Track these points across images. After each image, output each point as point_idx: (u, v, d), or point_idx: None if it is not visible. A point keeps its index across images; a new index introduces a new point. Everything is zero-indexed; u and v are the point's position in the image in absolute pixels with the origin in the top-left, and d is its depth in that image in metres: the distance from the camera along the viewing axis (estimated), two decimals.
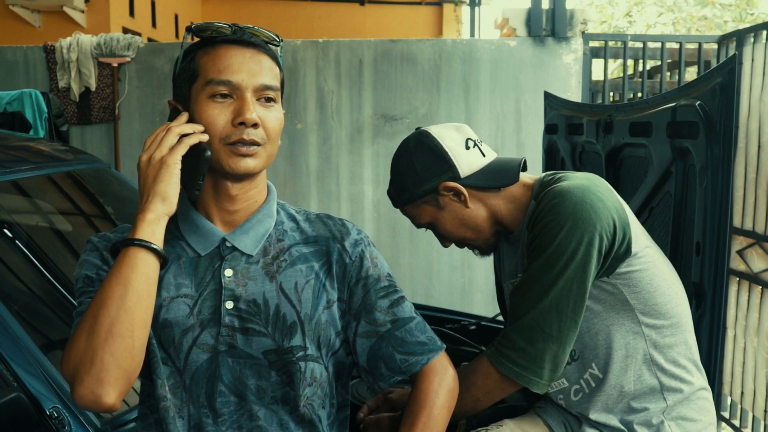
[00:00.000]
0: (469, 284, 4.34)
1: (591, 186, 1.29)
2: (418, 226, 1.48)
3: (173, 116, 1.10)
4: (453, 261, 4.30)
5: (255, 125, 1.04)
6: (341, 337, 1.16)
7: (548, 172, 1.42)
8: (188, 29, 1.09)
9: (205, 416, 1.09)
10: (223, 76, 1.04)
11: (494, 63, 4.20)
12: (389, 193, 1.48)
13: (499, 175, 1.40)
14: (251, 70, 1.06)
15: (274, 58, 1.10)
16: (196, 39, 1.10)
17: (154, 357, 1.08)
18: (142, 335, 0.98)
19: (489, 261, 4.81)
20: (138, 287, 0.97)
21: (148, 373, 1.10)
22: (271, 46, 1.11)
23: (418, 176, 1.39)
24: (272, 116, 1.08)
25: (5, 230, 1.76)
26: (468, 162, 1.39)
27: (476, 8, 8.10)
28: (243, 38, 1.07)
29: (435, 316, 2.15)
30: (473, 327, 2.06)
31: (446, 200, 1.40)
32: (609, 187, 1.34)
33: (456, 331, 2.04)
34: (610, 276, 1.30)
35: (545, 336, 1.26)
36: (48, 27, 7.14)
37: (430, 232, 1.51)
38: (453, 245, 1.51)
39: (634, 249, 1.30)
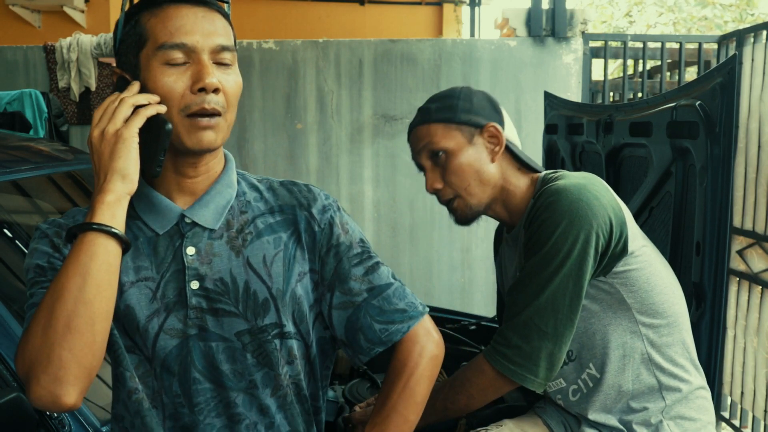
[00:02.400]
0: (469, 284, 4.34)
1: (588, 184, 1.29)
2: (431, 150, 1.39)
3: (121, 86, 1.00)
4: (453, 261, 4.30)
5: (216, 90, 0.97)
6: (314, 310, 1.10)
7: (548, 171, 1.43)
8: None
9: (180, 406, 1.03)
10: (176, 39, 0.95)
11: (494, 63, 4.20)
12: (423, 107, 1.42)
13: (527, 158, 1.43)
14: (205, 30, 0.97)
15: (226, 16, 1.02)
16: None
17: (117, 348, 1.01)
18: (103, 329, 0.90)
19: (489, 261, 4.75)
20: (98, 277, 0.89)
21: (114, 366, 1.03)
22: (221, 4, 1.03)
23: (472, 106, 1.38)
24: (231, 80, 1.00)
25: (5, 230, 1.76)
26: (510, 129, 1.43)
27: (476, 8, 8.09)
28: None
29: (435, 316, 2.15)
30: (473, 327, 2.06)
31: (481, 140, 1.38)
32: (606, 185, 1.35)
33: (456, 331, 2.04)
34: (607, 275, 1.30)
35: (541, 334, 1.26)
36: (48, 27, 7.14)
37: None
38: (435, 197, 1.44)
39: (630, 248, 1.30)
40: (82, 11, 7.19)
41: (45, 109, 3.60)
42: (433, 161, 1.40)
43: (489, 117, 1.39)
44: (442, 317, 2.15)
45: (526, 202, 1.40)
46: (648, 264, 1.32)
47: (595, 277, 1.30)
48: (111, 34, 4.25)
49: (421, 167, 1.43)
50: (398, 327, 1.08)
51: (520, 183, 1.41)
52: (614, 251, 1.29)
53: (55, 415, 1.29)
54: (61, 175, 2.07)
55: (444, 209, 1.47)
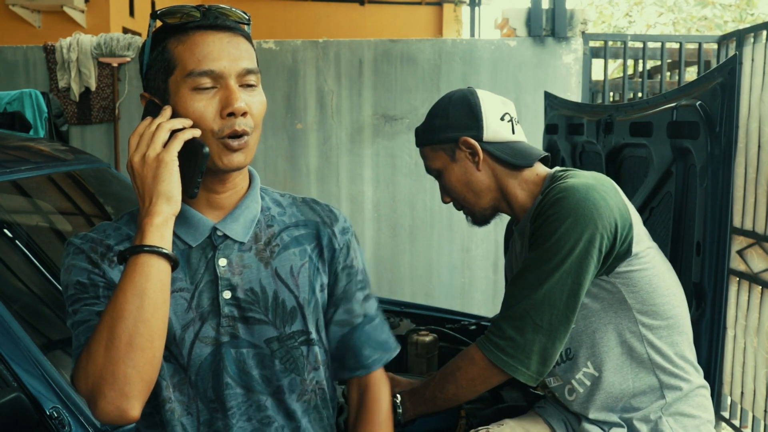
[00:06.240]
0: (469, 284, 4.34)
1: (596, 185, 1.30)
2: (429, 170, 1.51)
3: (152, 110, 1.04)
4: (453, 261, 4.30)
5: (244, 114, 1.01)
6: (325, 319, 1.17)
7: (559, 168, 1.43)
8: (153, 15, 1.04)
9: (214, 411, 1.08)
10: (204, 66, 0.99)
11: (494, 63, 4.20)
12: (417, 129, 1.51)
13: (517, 155, 1.42)
14: (231, 55, 1.01)
15: (248, 39, 1.06)
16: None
17: None
18: (161, 344, 0.95)
19: (489, 261, 4.73)
20: (154, 296, 0.93)
21: None
22: (242, 26, 1.06)
23: (447, 123, 1.43)
24: (257, 101, 1.04)
25: (5, 230, 1.76)
26: (495, 130, 1.42)
27: (476, 8, 8.09)
28: (217, 23, 1.02)
29: (435, 316, 2.15)
30: (473, 327, 2.06)
31: (461, 155, 1.43)
32: (615, 186, 1.35)
33: (456, 331, 2.04)
34: (610, 275, 1.31)
35: (535, 327, 1.27)
36: (48, 27, 7.14)
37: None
38: (451, 205, 1.54)
39: (635, 249, 1.30)
40: (82, 11, 7.19)
41: (45, 109, 3.60)
42: (436, 178, 1.50)
43: (465, 128, 1.42)
44: (442, 317, 2.15)
45: (532, 197, 1.41)
46: (651, 266, 1.33)
47: (598, 276, 1.31)
48: (111, 34, 4.25)
49: None
50: (380, 356, 1.18)
51: (521, 184, 1.42)
52: (618, 252, 1.29)
53: (55, 414, 1.29)
54: (61, 175, 2.07)
55: (443, 208, 1.52)
